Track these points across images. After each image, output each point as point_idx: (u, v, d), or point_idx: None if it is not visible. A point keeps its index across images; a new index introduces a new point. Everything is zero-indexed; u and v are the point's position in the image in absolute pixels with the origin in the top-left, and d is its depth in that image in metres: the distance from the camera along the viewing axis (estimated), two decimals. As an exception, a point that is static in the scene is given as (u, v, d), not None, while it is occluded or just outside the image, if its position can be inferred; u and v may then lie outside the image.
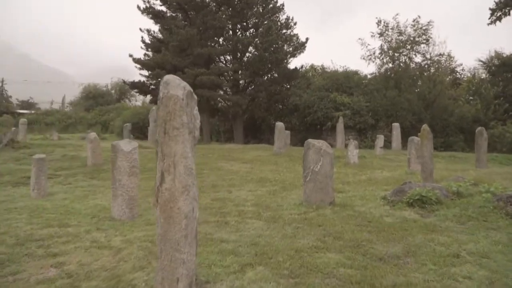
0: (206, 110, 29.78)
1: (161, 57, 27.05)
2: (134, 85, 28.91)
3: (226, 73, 30.11)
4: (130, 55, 28.38)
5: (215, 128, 36.46)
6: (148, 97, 33.96)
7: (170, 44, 27.26)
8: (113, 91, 62.21)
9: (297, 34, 31.07)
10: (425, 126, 9.88)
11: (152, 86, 29.09)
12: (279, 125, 17.96)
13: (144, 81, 28.92)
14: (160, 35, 30.05)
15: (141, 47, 29.80)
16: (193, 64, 27.07)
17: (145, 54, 29.27)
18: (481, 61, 36.71)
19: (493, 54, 37.09)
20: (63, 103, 69.46)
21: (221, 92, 30.42)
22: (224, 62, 31.36)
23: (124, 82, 29.07)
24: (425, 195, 7.27)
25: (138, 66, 28.83)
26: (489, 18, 29.90)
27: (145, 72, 29.07)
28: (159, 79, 30.09)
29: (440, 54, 32.62)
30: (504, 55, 36.21)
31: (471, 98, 35.10)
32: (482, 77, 37.21)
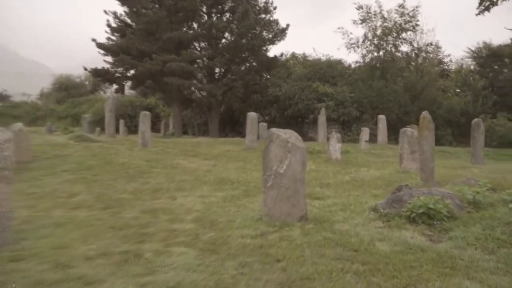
0: (177, 101, 27.44)
1: (126, 41, 24.58)
2: (97, 73, 26.31)
3: (199, 61, 27.75)
4: (93, 40, 25.76)
5: (191, 121, 34.17)
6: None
7: (136, 27, 24.79)
8: (87, 82, 59.23)
9: (277, 20, 28.92)
10: (425, 114, 7.79)
11: (117, 74, 26.57)
12: (251, 115, 15.70)
13: (108, 68, 26.34)
14: (127, 19, 27.49)
15: (105, 31, 27.20)
16: (162, 50, 24.68)
17: (108, 38, 26.62)
18: (471, 50, 35.09)
19: (481, 45, 35.64)
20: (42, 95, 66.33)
21: (195, 81, 28.04)
22: (198, 48, 28.97)
23: (85, 69, 26.49)
24: (433, 207, 5.15)
25: (102, 52, 26.22)
26: (477, 8, 28.24)
27: (110, 59, 26.51)
28: (126, 66, 27.85)
29: (428, 44, 30.76)
30: (493, 46, 34.78)
31: (458, 90, 33.57)
32: (470, 68, 35.73)
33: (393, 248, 4.42)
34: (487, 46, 35.08)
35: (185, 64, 24.10)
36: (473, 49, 35.42)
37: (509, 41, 34.37)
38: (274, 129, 5.64)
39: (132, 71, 26.67)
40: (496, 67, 34.93)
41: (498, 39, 66.48)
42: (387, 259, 4.07)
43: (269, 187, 5.45)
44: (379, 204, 5.80)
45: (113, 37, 26.94)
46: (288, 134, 5.53)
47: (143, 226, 5.36)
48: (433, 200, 5.24)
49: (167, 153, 13.38)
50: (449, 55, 34.81)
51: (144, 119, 14.32)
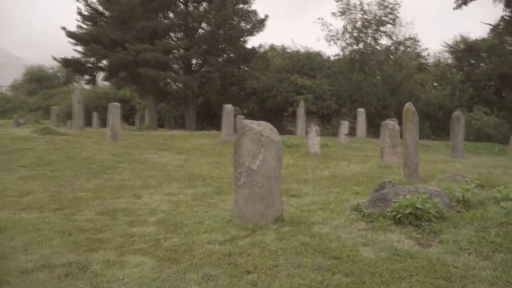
0: (152, 92, 26.54)
1: (98, 29, 23.55)
2: (67, 63, 25.18)
3: (175, 51, 26.89)
4: (63, 28, 24.58)
5: (167, 114, 33.32)
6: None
7: (108, 15, 23.77)
8: (59, 74, 57.32)
9: (255, 10, 28.16)
10: (409, 105, 7.35)
11: (89, 64, 25.49)
12: (227, 107, 15.13)
13: (79, 58, 25.23)
14: (99, 7, 26.32)
15: (76, 20, 25.96)
16: (136, 39, 23.73)
17: (79, 27, 25.42)
18: (448, 44, 35.21)
19: (459, 39, 35.77)
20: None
21: (170, 73, 27.10)
22: (175, 39, 28.05)
23: (54, 58, 25.28)
24: (420, 207, 4.68)
25: (73, 41, 25.06)
26: (455, 2, 28.24)
27: (82, 48, 25.36)
28: (98, 56, 26.76)
29: (408, 38, 30.61)
30: (470, 40, 34.95)
31: (435, 84, 33.65)
32: (448, 62, 35.85)
33: (379, 255, 3.92)
34: (464, 40, 35.21)
35: (159, 55, 23.24)
36: (450, 43, 35.54)
37: (485, 35, 34.65)
38: (246, 121, 5.07)
39: (104, 62, 25.64)
40: (473, 61, 35.13)
41: (475, 33, 67.46)
42: (373, 269, 3.57)
43: (241, 186, 4.88)
44: (362, 203, 5.31)
45: (84, 26, 25.79)
46: (262, 127, 4.97)
47: (97, 231, 4.73)
48: (421, 199, 4.77)
49: (137, 146, 12.65)
50: (426, 49, 34.82)
51: (114, 111, 13.53)
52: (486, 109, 28.95)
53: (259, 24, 28.29)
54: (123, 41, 23.35)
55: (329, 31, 29.26)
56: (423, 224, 4.64)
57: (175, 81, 26.96)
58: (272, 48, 32.86)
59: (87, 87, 49.38)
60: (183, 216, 5.37)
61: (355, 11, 28.83)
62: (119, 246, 4.18)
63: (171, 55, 26.28)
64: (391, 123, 10.34)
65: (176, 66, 28.01)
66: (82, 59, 25.36)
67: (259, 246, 4.10)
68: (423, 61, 35.38)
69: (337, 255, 3.87)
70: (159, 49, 23.48)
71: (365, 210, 5.11)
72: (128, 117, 38.80)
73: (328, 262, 3.74)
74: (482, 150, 22.44)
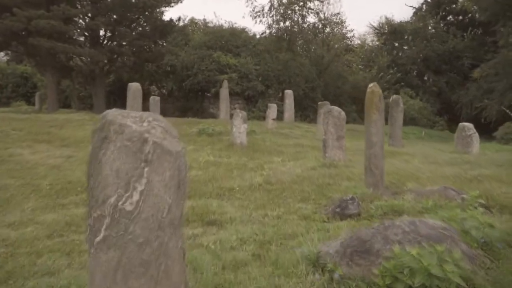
0: (51, 68, 22.57)
1: (-24, -11, 19.11)
2: None
3: (78, 20, 23.04)
4: None
5: (73, 93, 29.27)
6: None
7: (-10, -28, 19.41)
8: None
9: (172, -23, 24.97)
10: (374, 87, 5.30)
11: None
12: (133, 86, 12.30)
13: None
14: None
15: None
16: (28, 3, 19.73)
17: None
18: (373, 26, 34.77)
19: (384, 21, 35.56)
20: None
21: (74, 46, 23.16)
22: (79, 6, 24.02)
23: None
24: (438, 275, 2.58)
25: None
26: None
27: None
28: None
29: (335, 14, 29.34)
30: (395, 23, 34.88)
31: (360, 67, 33.13)
32: (374, 44, 35.52)
33: None
34: (389, 22, 34.94)
35: (57, 23, 19.46)
36: (375, 25, 35.17)
37: (409, 18, 34.63)
38: (113, 112, 2.57)
39: (-12, 30, 21.19)
40: (397, 44, 35.05)
41: (400, 15, 69.21)
42: None
43: (101, 244, 2.43)
44: (327, 254, 3.11)
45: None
46: (147, 123, 2.51)
47: None
48: (436, 255, 2.67)
49: (6, 137, 9.44)
50: (352, 30, 34.12)
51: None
52: (412, 93, 28.81)
53: (178, -6, 25.22)
54: (12, 5, 19.35)
55: (254, 7, 27.14)
56: (443, 304, 2.56)
57: (78, 55, 23.17)
58: (193, 22, 29.94)
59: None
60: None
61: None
62: None
63: (73, 25, 22.44)
64: (336, 109, 8.33)
65: (80, 37, 24.16)
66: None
67: None
68: (349, 42, 34.63)
69: None
70: (56, 16, 19.70)
71: (334, 270, 2.92)
72: (30, 96, 33.95)
73: None
74: (409, 134, 21.80)
